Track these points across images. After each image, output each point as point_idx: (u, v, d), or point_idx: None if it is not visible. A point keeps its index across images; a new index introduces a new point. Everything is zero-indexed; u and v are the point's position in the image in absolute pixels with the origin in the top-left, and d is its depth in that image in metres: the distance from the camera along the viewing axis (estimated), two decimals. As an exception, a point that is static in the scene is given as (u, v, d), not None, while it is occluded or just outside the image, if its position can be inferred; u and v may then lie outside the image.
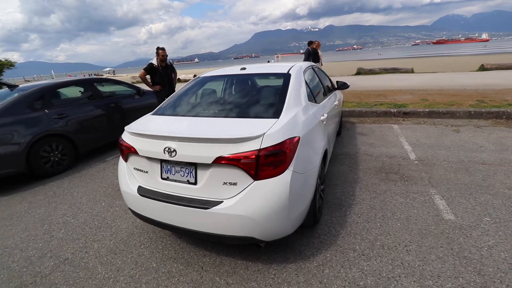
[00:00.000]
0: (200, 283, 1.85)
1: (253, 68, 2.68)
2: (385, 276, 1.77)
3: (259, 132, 1.61)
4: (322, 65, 9.14)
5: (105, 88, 5.48)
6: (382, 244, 2.08)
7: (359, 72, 15.42)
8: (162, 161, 1.83)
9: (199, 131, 1.75)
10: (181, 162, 1.73)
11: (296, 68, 2.52)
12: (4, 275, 2.04)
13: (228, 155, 1.57)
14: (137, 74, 12.28)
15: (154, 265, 2.05)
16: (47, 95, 4.14)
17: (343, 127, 5.35)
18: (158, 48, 4.95)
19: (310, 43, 9.10)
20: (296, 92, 2.17)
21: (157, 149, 1.76)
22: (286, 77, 2.31)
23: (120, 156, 2.15)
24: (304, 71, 2.65)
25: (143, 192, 1.90)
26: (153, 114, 2.31)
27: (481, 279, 1.69)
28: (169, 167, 1.81)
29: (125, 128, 1.99)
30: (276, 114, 1.87)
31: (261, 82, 2.47)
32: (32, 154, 3.69)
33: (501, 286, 1.63)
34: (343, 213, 2.53)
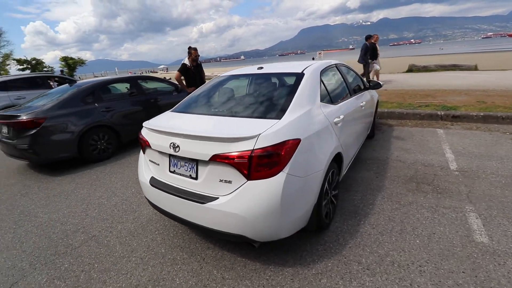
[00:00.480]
0: (199, 274, 1.94)
1: (270, 67, 2.66)
2: (387, 295, 1.63)
3: (255, 132, 1.61)
4: (379, 61, 8.69)
5: (148, 85, 6.00)
6: (393, 261, 1.90)
7: (411, 69, 14.03)
8: (170, 155, 1.95)
9: (200, 129, 1.82)
10: (185, 157, 1.83)
11: (313, 67, 2.43)
12: (45, 243, 2.42)
13: (223, 154, 1.62)
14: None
15: (163, 250, 2.22)
16: (97, 91, 4.70)
17: (378, 129, 4.98)
18: (190, 48, 5.18)
19: (368, 37, 8.68)
20: (306, 92, 2.10)
21: (165, 144, 1.89)
22: (298, 76, 2.25)
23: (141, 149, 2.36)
24: (323, 71, 2.54)
25: (154, 182, 2.06)
26: (171, 111, 2.47)
27: (505, 317, 1.44)
28: (175, 161, 1.93)
29: (143, 123, 2.18)
30: (279, 115, 1.84)
31: (273, 82, 2.44)
32: (82, 141, 4.25)
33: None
34: (357, 222, 2.38)
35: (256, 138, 1.59)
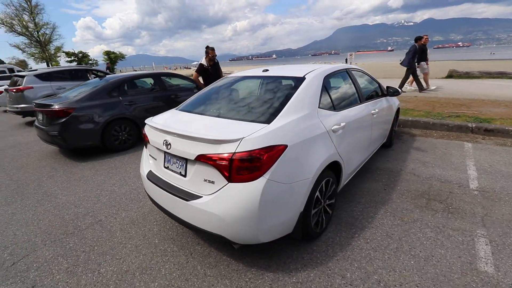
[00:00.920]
0: (184, 267, 2.02)
1: (276, 70, 2.64)
2: (363, 314, 1.56)
3: (239, 136, 1.63)
4: (427, 64, 8.25)
5: (171, 81, 6.28)
6: (380, 280, 1.81)
7: (451, 74, 12.93)
8: (165, 152, 2.05)
9: (190, 129, 1.87)
10: (176, 155, 1.90)
11: (317, 72, 2.37)
12: (58, 223, 2.68)
13: (207, 154, 1.66)
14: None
15: (156, 241, 2.33)
16: (122, 85, 5.03)
17: (398, 138, 4.70)
18: (208, 48, 5.30)
19: (418, 38, 8.26)
20: (303, 98, 2.06)
21: (159, 140, 1.99)
22: (298, 81, 2.21)
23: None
24: (328, 76, 2.47)
25: (150, 176, 2.18)
26: (175, 109, 2.57)
27: None
28: (169, 157, 2.02)
29: (145, 120, 2.30)
30: (269, 120, 1.84)
31: (273, 85, 2.42)
32: (106, 132, 4.58)
33: None
34: (351, 234, 2.29)
35: (239, 141, 1.61)
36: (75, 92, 4.87)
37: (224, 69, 5.40)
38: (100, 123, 4.50)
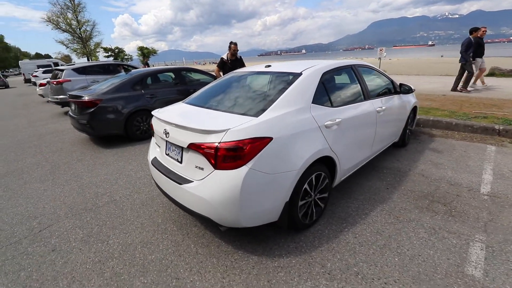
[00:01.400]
0: (179, 245, 2.22)
1: (277, 66, 2.72)
2: (334, 301, 1.64)
3: (226, 127, 1.76)
4: (483, 59, 7.47)
5: (191, 76, 6.57)
6: (358, 272, 1.86)
7: (493, 72, 11.80)
8: (166, 140, 2.25)
9: (185, 120, 2.04)
10: (173, 143, 2.10)
11: (315, 68, 2.41)
12: (80, 200, 3.04)
13: (197, 143, 1.82)
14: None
15: (159, 221, 2.57)
16: (145, 79, 5.41)
17: (415, 138, 4.52)
18: (231, 43, 5.44)
19: (474, 30, 7.21)
20: (296, 93, 2.13)
21: (161, 130, 2.19)
22: (294, 76, 2.28)
23: (153, 132, 2.74)
24: (327, 72, 2.49)
25: (154, 162, 2.41)
26: (182, 102, 2.77)
27: None
28: (169, 145, 2.22)
29: (152, 112, 2.52)
30: (258, 113, 1.94)
31: (270, 81, 2.50)
32: (128, 122, 4.99)
33: None
34: (341, 228, 2.33)
35: (225, 132, 1.74)
36: (104, 85, 5.34)
37: (248, 64, 5.51)
38: (123, 114, 4.90)
